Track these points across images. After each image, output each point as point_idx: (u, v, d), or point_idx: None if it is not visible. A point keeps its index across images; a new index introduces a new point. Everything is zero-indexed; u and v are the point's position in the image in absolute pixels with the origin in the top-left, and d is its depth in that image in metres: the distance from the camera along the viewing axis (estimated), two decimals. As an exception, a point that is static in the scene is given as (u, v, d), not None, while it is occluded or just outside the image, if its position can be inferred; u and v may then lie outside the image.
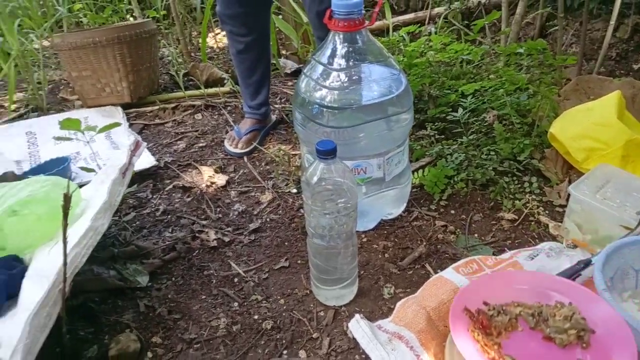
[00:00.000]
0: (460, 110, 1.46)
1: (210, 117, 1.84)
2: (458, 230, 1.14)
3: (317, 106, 1.02)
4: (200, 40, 2.75)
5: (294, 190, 1.35)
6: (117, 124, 1.22)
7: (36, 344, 0.70)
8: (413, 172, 1.28)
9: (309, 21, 1.37)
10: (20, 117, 1.89)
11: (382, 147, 1.05)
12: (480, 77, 1.78)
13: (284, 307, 0.96)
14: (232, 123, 1.75)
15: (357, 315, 0.88)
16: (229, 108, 1.89)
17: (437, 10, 2.68)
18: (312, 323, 0.92)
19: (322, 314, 0.94)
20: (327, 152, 0.80)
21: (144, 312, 0.95)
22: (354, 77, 1.02)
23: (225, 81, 2.04)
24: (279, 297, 0.99)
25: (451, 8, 2.54)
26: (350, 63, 1.01)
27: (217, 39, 2.84)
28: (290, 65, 2.26)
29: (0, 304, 0.88)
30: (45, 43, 2.32)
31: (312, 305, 0.96)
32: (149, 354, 0.86)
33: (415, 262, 1.05)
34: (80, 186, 1.05)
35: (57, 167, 1.37)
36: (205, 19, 2.13)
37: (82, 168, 1.23)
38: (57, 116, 1.86)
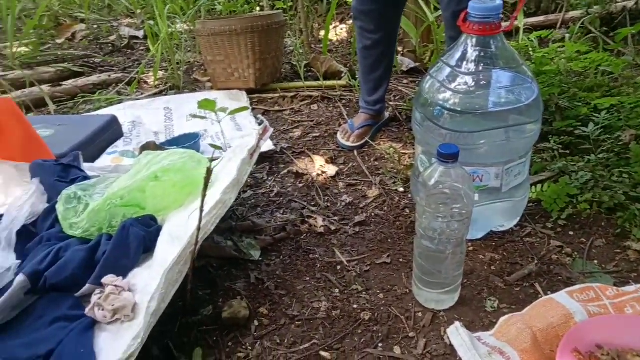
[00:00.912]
0: (591, 125, 1.35)
1: (326, 109, 1.90)
2: (575, 253, 1.07)
3: (439, 108, 1.01)
4: (321, 33, 2.84)
5: (401, 189, 1.36)
6: (245, 108, 1.32)
7: (168, 295, 0.79)
8: (531, 185, 1.22)
9: (443, 20, 1.35)
10: (160, 93, 2.12)
11: (502, 156, 1.02)
12: (618, 91, 1.63)
13: (383, 302, 0.98)
14: (345, 116, 1.80)
15: (456, 323, 0.87)
16: (344, 101, 1.94)
17: (571, 14, 2.48)
18: (409, 322, 0.93)
19: (420, 315, 0.95)
20: (448, 156, 0.80)
21: (254, 284, 1.03)
22: (482, 82, 1.00)
23: (343, 75, 2.10)
24: (378, 291, 1.01)
25: (589, 13, 2.33)
26: (480, 67, 0.99)
27: (337, 32, 2.91)
28: (407, 63, 2.24)
29: (137, 256, 1.01)
30: (184, 28, 2.56)
31: (410, 305, 0.97)
32: (256, 322, 0.94)
33: (524, 280, 1.01)
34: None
35: (189, 141, 1.52)
36: (331, 12, 2.20)
37: (211, 145, 1.34)
38: (190, 95, 2.05)
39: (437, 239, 0.87)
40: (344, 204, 1.31)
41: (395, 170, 1.44)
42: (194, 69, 2.41)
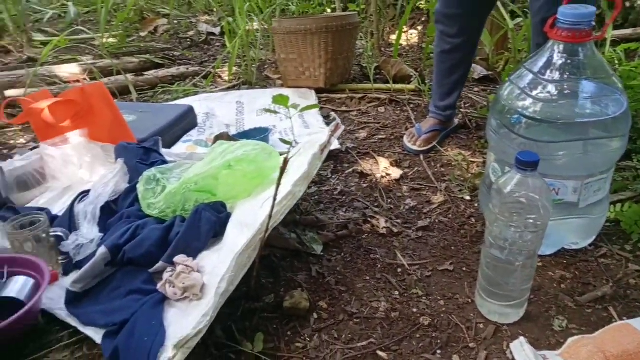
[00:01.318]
0: (683, 145, 1.26)
1: (393, 112, 1.89)
2: (657, 280, 1.00)
3: (518, 115, 0.98)
4: (391, 37, 2.83)
5: (468, 197, 1.33)
6: (316, 106, 1.35)
7: (237, 278, 0.83)
8: (610, 204, 1.15)
9: (532, 26, 1.31)
10: (233, 87, 2.20)
11: (582, 170, 0.97)
12: None
13: (443, 309, 0.97)
14: (413, 120, 1.78)
15: (521, 338, 0.85)
16: (412, 105, 1.92)
17: (665, 26, 2.31)
18: (469, 332, 0.91)
19: (481, 326, 0.92)
20: (527, 164, 0.78)
21: (314, 277, 1.05)
22: (566, 91, 0.95)
23: (413, 79, 2.08)
24: (439, 298, 1.00)
25: (688, 26, 2.16)
26: (565, 76, 0.95)
27: (408, 37, 2.89)
28: (479, 70, 2.19)
29: (207, 240, 1.06)
30: (258, 26, 2.63)
31: (472, 315, 0.95)
32: (315, 315, 0.95)
33: (597, 302, 0.96)
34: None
35: (259, 135, 1.57)
36: (405, 16, 2.19)
37: (281, 140, 1.38)
38: (262, 91, 2.11)
39: (507, 249, 0.84)
40: (407, 207, 1.30)
41: (462, 178, 1.41)
42: (266, 66, 2.48)
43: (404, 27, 2.92)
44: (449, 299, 0.99)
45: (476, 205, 1.29)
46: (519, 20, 2.28)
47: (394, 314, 0.95)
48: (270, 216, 0.83)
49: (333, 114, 1.83)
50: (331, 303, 0.98)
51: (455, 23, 1.42)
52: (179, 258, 1.00)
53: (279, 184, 0.79)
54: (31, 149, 1.37)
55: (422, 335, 0.91)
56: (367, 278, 1.05)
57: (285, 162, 0.76)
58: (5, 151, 1.69)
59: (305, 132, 1.69)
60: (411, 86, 2.04)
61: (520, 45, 2.10)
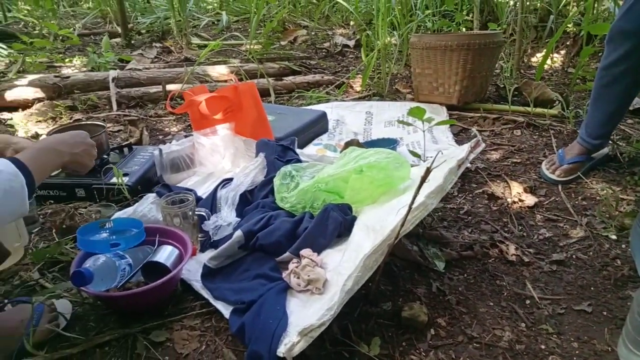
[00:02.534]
0: None
1: (530, 136, 1.78)
2: None
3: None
4: (531, 59, 2.68)
5: (614, 237, 1.20)
6: (451, 121, 1.32)
7: (362, 278, 0.84)
8: None
9: None
10: (364, 98, 2.25)
11: None
12: None
13: (577, 352, 0.88)
14: (554, 147, 1.66)
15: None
16: (553, 131, 1.79)
17: None
18: (607, 383, 0.82)
19: (622, 380, 0.82)
20: None
21: (434, 293, 1.02)
22: None
23: (556, 104, 1.94)
24: (572, 339, 0.91)
25: None
26: None
27: (552, 60, 2.70)
28: (635, 101, 1.97)
29: (332, 238, 1.10)
30: (395, 40, 2.66)
31: (611, 365, 0.85)
32: (432, 331, 0.93)
33: None
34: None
35: (387, 145, 1.58)
36: (556, 37, 2.05)
37: (411, 151, 1.38)
38: (391, 103, 2.13)
39: (668, 298, 0.74)
40: (540, 237, 1.21)
41: (607, 215, 1.28)
42: (397, 80, 2.50)
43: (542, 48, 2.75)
44: (584, 343, 0.90)
45: (624, 246, 1.16)
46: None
47: (518, 346, 0.89)
48: (403, 223, 0.83)
49: (474, 130, 1.77)
50: (450, 322, 0.95)
51: (633, 42, 1.28)
52: (305, 251, 1.04)
53: (417, 193, 0.79)
54: (185, 136, 1.54)
55: (550, 375, 0.84)
56: (491, 304, 1.00)
57: (428, 171, 0.76)
58: (160, 137, 1.92)
59: (433, 147, 1.67)
60: (554, 111, 1.90)
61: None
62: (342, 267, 0.96)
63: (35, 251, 1.15)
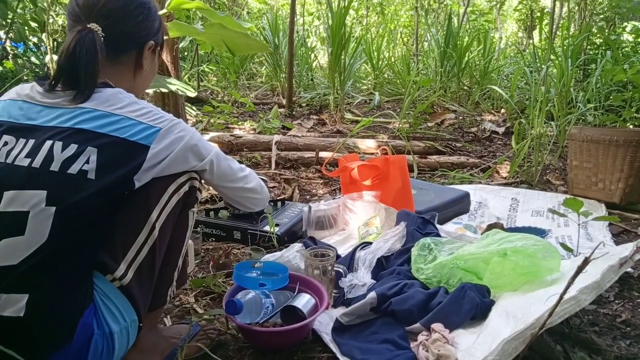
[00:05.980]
0: None
1: None
2: None
3: None
4: None
5: None
6: (614, 218, 1.22)
7: (500, 362, 0.80)
8: None
9: None
10: (510, 184, 2.18)
11: None
12: None
13: None
14: None
15: None
16: None
17: None
18: None
19: None
20: None
21: (579, 402, 0.92)
22: None
23: None
24: None
25: None
26: None
27: None
28: None
29: (466, 318, 1.06)
30: (550, 131, 2.57)
31: None
32: None
33: None
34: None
35: (534, 234, 1.50)
36: None
37: (562, 245, 1.30)
38: (540, 193, 2.03)
39: None
40: None
41: None
42: (548, 171, 2.38)
43: None
44: None
45: None
46: None
47: None
48: (550, 313, 0.79)
49: None
50: None
51: None
52: (437, 326, 1.03)
53: (571, 282, 0.75)
54: (332, 198, 1.66)
55: None
56: None
57: (586, 261, 0.72)
58: (308, 197, 2.09)
59: (587, 244, 1.53)
60: None
61: None
62: (476, 349, 0.92)
63: (194, 279, 1.33)
